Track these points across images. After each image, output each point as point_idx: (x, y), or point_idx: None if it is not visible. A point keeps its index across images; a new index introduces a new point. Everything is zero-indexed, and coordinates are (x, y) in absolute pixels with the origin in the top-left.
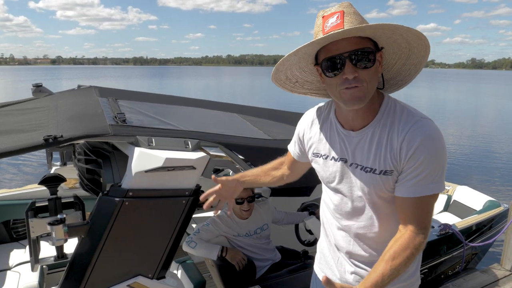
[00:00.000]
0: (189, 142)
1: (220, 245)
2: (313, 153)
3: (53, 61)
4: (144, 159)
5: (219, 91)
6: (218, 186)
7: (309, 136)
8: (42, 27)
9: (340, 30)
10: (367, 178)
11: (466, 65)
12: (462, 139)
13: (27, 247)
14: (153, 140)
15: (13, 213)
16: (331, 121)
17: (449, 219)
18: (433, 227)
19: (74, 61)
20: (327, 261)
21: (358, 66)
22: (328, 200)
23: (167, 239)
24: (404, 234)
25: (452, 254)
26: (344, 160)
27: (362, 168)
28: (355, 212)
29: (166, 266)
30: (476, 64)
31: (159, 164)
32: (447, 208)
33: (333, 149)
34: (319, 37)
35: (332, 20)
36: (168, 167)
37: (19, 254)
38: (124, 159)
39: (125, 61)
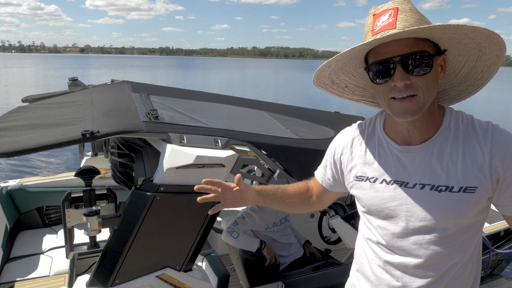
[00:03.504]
0: (219, 140)
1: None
2: (356, 177)
3: (82, 50)
4: (175, 156)
5: (244, 84)
6: (232, 185)
7: (349, 157)
8: (72, 16)
9: (393, 30)
10: (441, 199)
11: None
12: None
13: (59, 232)
14: (185, 137)
15: (46, 200)
16: (378, 137)
17: None
18: None
19: (102, 50)
20: None
21: (411, 72)
22: (370, 234)
23: (195, 234)
24: None
25: None
26: (400, 183)
27: (434, 188)
28: (416, 245)
29: (193, 259)
30: (510, 62)
31: (190, 161)
32: None
33: (385, 170)
34: (368, 39)
35: (384, 19)
36: (199, 164)
37: (51, 240)
38: (156, 154)
39: (152, 51)
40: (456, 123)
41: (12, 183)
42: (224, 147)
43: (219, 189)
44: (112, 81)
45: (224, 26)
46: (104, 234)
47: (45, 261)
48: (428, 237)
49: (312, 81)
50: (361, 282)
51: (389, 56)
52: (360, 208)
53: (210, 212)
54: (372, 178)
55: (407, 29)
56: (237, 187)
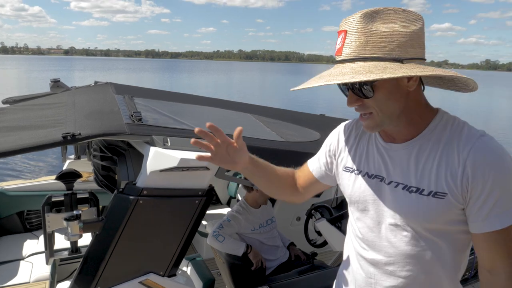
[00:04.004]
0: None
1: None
2: (344, 167)
3: (66, 52)
4: (159, 159)
5: (230, 87)
6: (230, 140)
7: (343, 148)
8: (56, 17)
9: (339, 57)
10: (410, 200)
11: (480, 66)
12: None
13: (40, 238)
14: (168, 140)
15: (27, 204)
16: (370, 133)
17: None
18: None
19: (87, 52)
20: None
21: (361, 96)
22: (352, 227)
23: (179, 238)
24: (502, 279)
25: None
26: (380, 178)
27: (405, 188)
28: (387, 243)
29: (177, 264)
30: (490, 66)
31: (174, 164)
32: None
33: (369, 164)
34: (321, 75)
35: (338, 41)
36: (183, 167)
37: (32, 245)
38: (139, 157)
39: (137, 54)
40: (443, 127)
41: None
42: None
43: (218, 140)
44: (95, 82)
45: (210, 29)
46: (86, 239)
47: (25, 267)
48: (399, 236)
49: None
50: (346, 275)
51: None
52: (347, 198)
53: (196, 157)
54: (357, 170)
55: (337, 77)
56: (235, 143)
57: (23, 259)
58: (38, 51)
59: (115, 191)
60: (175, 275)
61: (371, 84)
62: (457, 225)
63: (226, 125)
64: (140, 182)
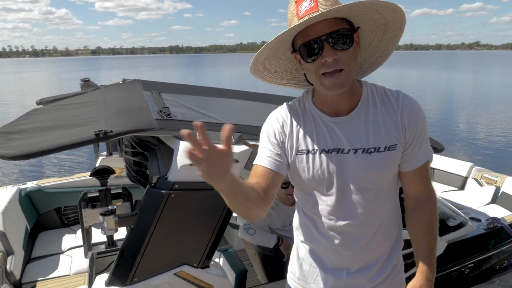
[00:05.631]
0: (232, 136)
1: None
2: (298, 151)
3: (93, 52)
4: None
5: (255, 79)
6: (217, 147)
7: (289, 135)
8: (82, 18)
9: (316, 13)
10: (373, 159)
11: None
12: (510, 126)
13: (77, 232)
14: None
15: (64, 200)
16: (311, 113)
17: (498, 212)
18: (480, 220)
19: (113, 51)
20: (308, 279)
21: (336, 48)
22: (315, 207)
23: (211, 230)
24: (424, 203)
25: (500, 248)
26: (337, 150)
27: (365, 151)
28: (357, 205)
29: (210, 255)
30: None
31: None
32: (495, 200)
33: (322, 141)
34: (294, 24)
35: (306, 4)
36: None
37: (70, 239)
38: (169, 152)
39: (162, 50)
40: (372, 93)
41: (30, 184)
42: (237, 142)
43: (206, 146)
44: (124, 80)
45: (233, 22)
46: (121, 233)
47: (65, 260)
48: (365, 196)
49: None
50: (312, 252)
51: (316, 35)
52: (302, 184)
53: (200, 174)
54: (312, 150)
55: (330, 8)
56: (225, 150)
57: (62, 253)
58: (67, 53)
59: (147, 186)
60: (208, 266)
61: (352, 34)
62: (397, 168)
63: (254, 117)
64: (171, 176)
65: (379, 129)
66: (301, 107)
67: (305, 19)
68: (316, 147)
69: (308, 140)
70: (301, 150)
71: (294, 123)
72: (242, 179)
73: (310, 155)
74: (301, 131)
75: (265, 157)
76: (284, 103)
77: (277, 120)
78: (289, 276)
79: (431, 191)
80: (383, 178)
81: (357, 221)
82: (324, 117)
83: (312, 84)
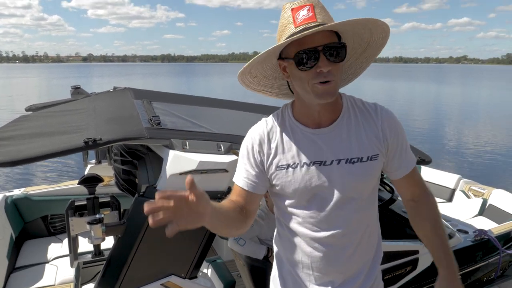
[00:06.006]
0: (222, 145)
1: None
2: (278, 167)
3: (85, 59)
4: (178, 162)
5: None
6: (185, 194)
7: (268, 150)
8: (74, 25)
9: (314, 23)
10: (355, 169)
11: (501, 61)
12: (497, 139)
13: (64, 241)
14: (187, 143)
15: (51, 208)
16: (291, 126)
17: (485, 224)
18: (467, 232)
19: (105, 59)
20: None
21: (331, 60)
22: (296, 220)
23: (199, 240)
24: (423, 199)
25: (487, 261)
26: (319, 163)
27: (348, 161)
28: (340, 216)
29: (198, 266)
30: None
31: (193, 167)
32: (482, 212)
33: (304, 154)
34: (289, 30)
35: (303, 13)
36: (201, 170)
37: (56, 248)
38: (159, 161)
39: (153, 58)
40: (352, 105)
41: (17, 192)
42: (227, 152)
43: (171, 203)
44: (114, 88)
45: (225, 32)
46: (109, 242)
47: (50, 270)
48: (347, 207)
49: None
50: (294, 267)
51: (314, 45)
52: (283, 198)
53: (167, 234)
54: (293, 164)
55: (333, 23)
56: (193, 195)
57: (48, 262)
58: (58, 59)
59: (136, 195)
60: (196, 277)
61: (346, 50)
62: (378, 178)
63: (244, 128)
64: (160, 185)
65: (361, 139)
66: (280, 121)
67: (301, 27)
68: (296, 161)
69: (288, 154)
70: (281, 165)
71: (273, 139)
72: (219, 203)
73: (290, 169)
74: (280, 146)
75: (242, 178)
76: (263, 118)
77: (255, 137)
78: None
79: (427, 189)
80: (366, 188)
81: (341, 231)
82: (305, 129)
83: (292, 93)
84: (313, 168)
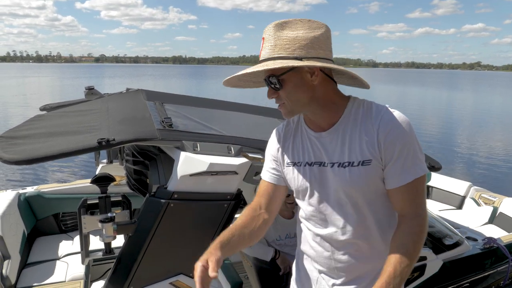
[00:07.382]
0: (232, 148)
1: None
2: (287, 163)
3: (97, 59)
4: (189, 163)
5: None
6: (210, 277)
7: (282, 149)
8: (87, 26)
9: (260, 59)
10: (345, 173)
11: None
12: (510, 147)
13: (75, 239)
14: (198, 145)
15: (63, 206)
16: (301, 128)
17: (495, 232)
18: (476, 240)
19: (117, 60)
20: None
21: (274, 88)
22: (304, 213)
23: (209, 240)
24: (407, 220)
25: (496, 269)
26: (318, 163)
27: (340, 165)
28: (337, 216)
29: None
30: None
31: (203, 168)
32: (492, 220)
33: (307, 154)
34: (248, 70)
35: (261, 46)
36: (212, 172)
37: (67, 246)
38: (170, 162)
39: (165, 60)
40: (357, 109)
41: (30, 189)
42: (237, 154)
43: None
44: (127, 89)
45: (236, 35)
46: (119, 241)
47: (61, 266)
48: (344, 208)
49: None
50: (305, 259)
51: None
52: (295, 193)
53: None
54: (298, 162)
55: (262, 69)
56: (215, 274)
57: (59, 259)
58: (70, 59)
59: (147, 195)
60: None
61: (278, 78)
62: (379, 184)
63: (255, 131)
64: (171, 186)
65: (354, 144)
66: (295, 123)
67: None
68: (301, 160)
69: (295, 153)
70: (289, 162)
71: (287, 138)
72: (231, 233)
73: (295, 167)
74: (290, 146)
75: (265, 171)
76: (285, 121)
77: (275, 135)
78: (292, 284)
79: (418, 211)
80: (360, 193)
81: (340, 231)
82: (310, 132)
83: None
84: (313, 168)
